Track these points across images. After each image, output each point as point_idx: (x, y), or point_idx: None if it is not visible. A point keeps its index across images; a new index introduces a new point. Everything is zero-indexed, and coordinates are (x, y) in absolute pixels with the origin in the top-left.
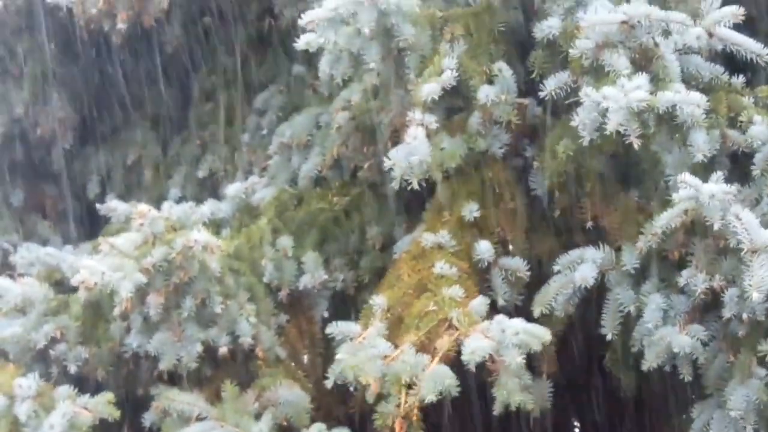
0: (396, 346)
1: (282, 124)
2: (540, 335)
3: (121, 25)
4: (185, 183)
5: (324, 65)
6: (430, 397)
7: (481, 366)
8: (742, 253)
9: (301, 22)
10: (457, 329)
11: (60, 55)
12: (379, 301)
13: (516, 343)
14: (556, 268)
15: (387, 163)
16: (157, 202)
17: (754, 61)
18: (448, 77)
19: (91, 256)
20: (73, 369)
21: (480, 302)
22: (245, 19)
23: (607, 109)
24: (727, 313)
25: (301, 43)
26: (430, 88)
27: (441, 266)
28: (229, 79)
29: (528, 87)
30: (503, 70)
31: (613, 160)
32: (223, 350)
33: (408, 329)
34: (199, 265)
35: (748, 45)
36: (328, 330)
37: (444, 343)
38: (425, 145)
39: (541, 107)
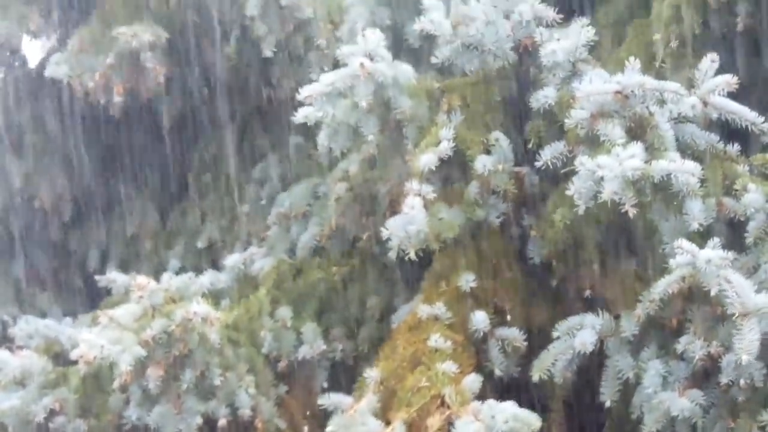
0: (387, 423)
1: (281, 194)
2: (530, 422)
3: (118, 98)
4: (185, 253)
5: (322, 138)
6: None
7: None
8: (734, 317)
9: (299, 96)
10: (449, 407)
11: (59, 126)
12: (372, 373)
13: (505, 430)
14: (555, 334)
15: (384, 233)
16: (156, 273)
17: (749, 129)
18: (446, 147)
19: (91, 328)
20: None
21: (473, 379)
22: (244, 89)
23: (602, 178)
24: (724, 379)
25: (300, 116)
26: (427, 159)
27: (436, 339)
28: (228, 149)
29: (525, 156)
30: (500, 139)
31: (610, 229)
32: (222, 422)
33: (400, 404)
34: (198, 337)
35: (742, 113)
36: (321, 401)
37: (435, 422)
38: (423, 215)
39: (537, 176)
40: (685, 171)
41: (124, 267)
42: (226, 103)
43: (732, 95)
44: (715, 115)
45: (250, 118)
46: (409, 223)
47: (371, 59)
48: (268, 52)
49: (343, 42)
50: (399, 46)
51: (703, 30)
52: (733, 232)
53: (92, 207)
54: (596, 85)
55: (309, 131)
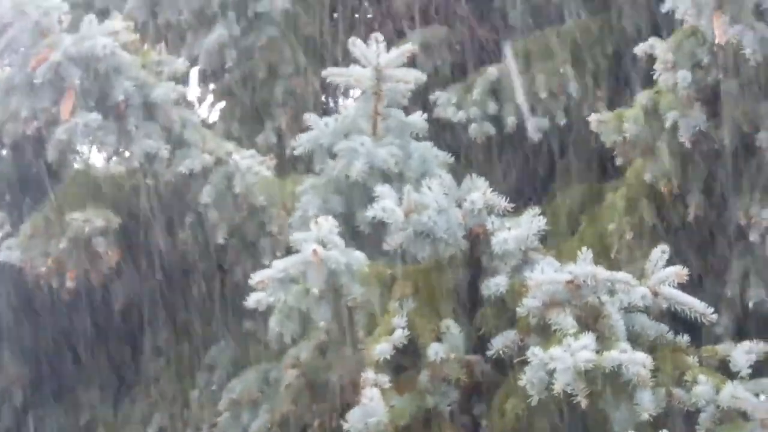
0: None
1: (232, 380)
2: None
3: (70, 284)
4: None
5: (273, 323)
6: None
7: None
8: None
9: (251, 282)
10: None
11: (11, 311)
12: None
13: None
14: None
15: (345, 426)
16: None
17: (699, 320)
18: (399, 336)
19: None
20: None
21: None
22: (196, 274)
23: (554, 370)
24: None
25: (251, 301)
26: (382, 348)
27: None
28: (179, 334)
29: (476, 345)
30: (451, 327)
31: (562, 419)
32: None
33: None
34: None
35: (692, 304)
36: None
37: None
38: (381, 405)
39: (489, 365)
40: (635, 362)
41: None
42: (179, 288)
43: (683, 286)
44: (665, 306)
45: (202, 303)
46: (369, 414)
47: (324, 246)
48: (220, 239)
49: (296, 228)
50: (352, 233)
51: (657, 221)
52: (684, 424)
53: (44, 393)
54: (548, 274)
55: (261, 316)
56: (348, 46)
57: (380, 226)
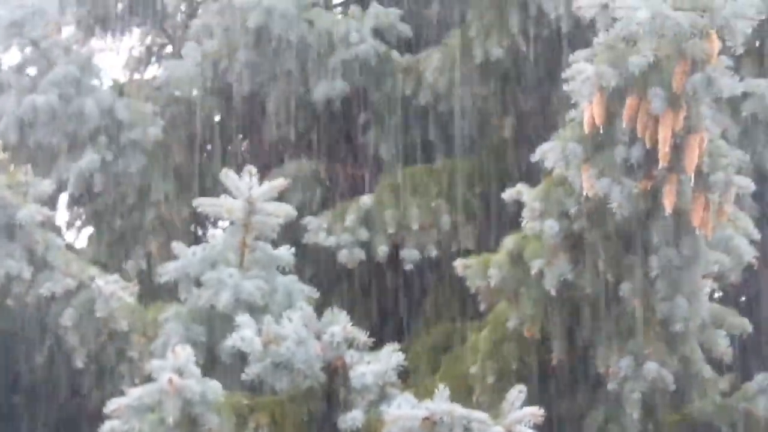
0: None
1: None
2: None
3: None
4: None
5: None
6: None
7: None
8: None
9: (105, 410)
10: None
11: None
12: None
13: None
14: None
15: None
16: None
17: None
18: None
19: None
20: None
21: None
22: (53, 398)
23: None
24: None
25: (105, 430)
26: None
27: None
28: None
29: None
30: None
31: None
32: None
33: None
34: None
35: None
36: None
37: None
38: None
39: None
40: None
41: None
42: (34, 412)
43: (540, 429)
44: None
45: (62, 428)
46: None
47: (180, 375)
48: (80, 363)
49: (157, 356)
50: (213, 362)
51: (520, 365)
52: None
53: None
54: (405, 410)
55: None
56: (220, 177)
57: (241, 356)
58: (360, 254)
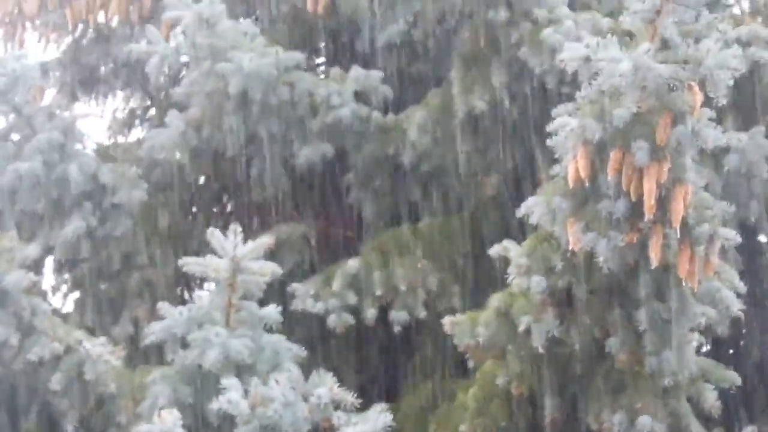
0: None
1: None
2: None
3: None
4: None
5: None
6: None
7: None
8: None
9: None
10: None
11: None
12: None
13: None
14: None
15: None
16: None
17: None
18: None
19: None
20: None
21: None
22: None
23: None
24: None
25: None
26: None
27: None
28: None
29: None
30: None
31: None
32: None
33: None
34: None
35: None
36: None
37: None
38: None
39: None
40: None
41: None
42: None
43: None
44: None
45: None
46: None
47: None
48: (69, 428)
49: (145, 418)
50: (201, 424)
51: (509, 423)
52: None
53: None
54: None
55: None
56: (206, 237)
57: (229, 418)
58: (348, 318)
